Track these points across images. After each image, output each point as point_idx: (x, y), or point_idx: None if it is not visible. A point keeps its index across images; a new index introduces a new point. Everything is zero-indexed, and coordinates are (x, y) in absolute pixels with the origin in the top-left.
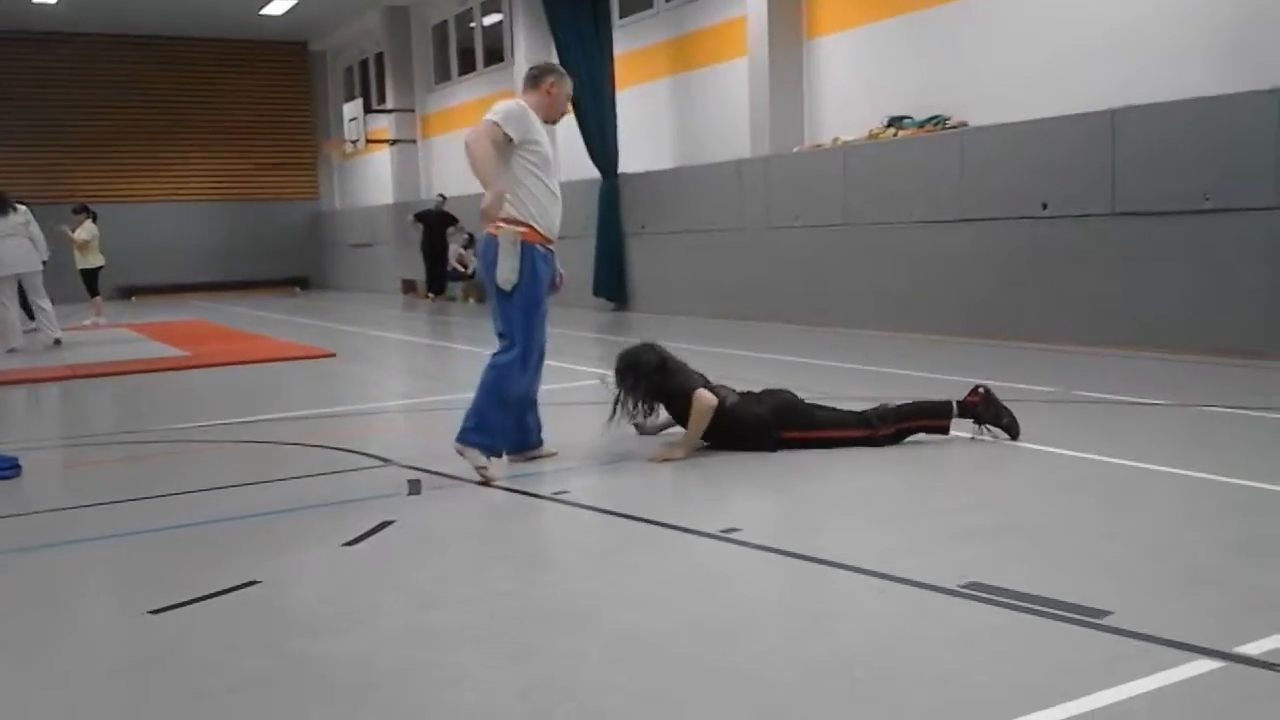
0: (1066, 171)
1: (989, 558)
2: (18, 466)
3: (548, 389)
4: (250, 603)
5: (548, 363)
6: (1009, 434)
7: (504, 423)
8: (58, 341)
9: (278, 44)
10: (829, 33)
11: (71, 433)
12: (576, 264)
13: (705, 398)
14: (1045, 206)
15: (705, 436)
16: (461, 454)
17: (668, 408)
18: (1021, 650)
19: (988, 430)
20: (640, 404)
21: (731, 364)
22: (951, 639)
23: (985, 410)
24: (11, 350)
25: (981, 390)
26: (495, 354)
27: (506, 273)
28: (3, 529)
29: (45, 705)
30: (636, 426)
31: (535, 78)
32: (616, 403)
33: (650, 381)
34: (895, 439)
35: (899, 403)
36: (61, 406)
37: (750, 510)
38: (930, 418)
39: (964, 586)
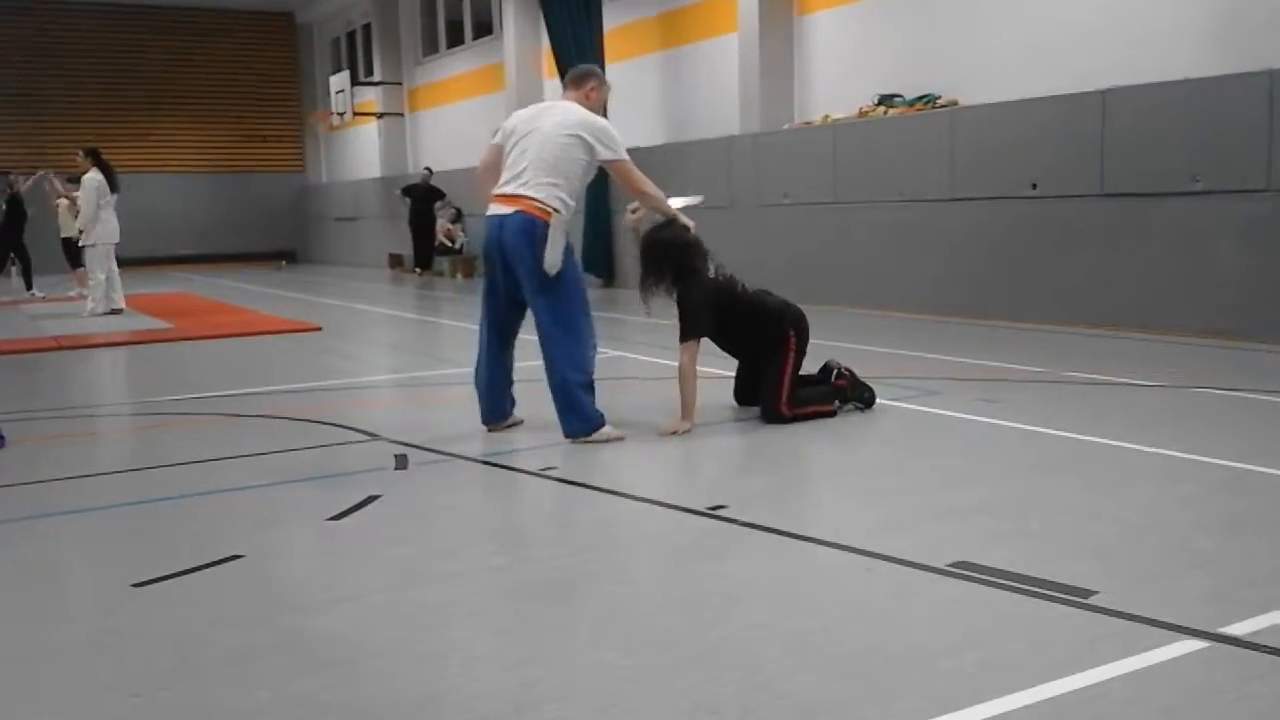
0: (1056, 151)
1: (975, 537)
2: (2, 438)
3: (537, 364)
4: (234, 577)
5: (535, 338)
6: (867, 405)
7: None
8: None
9: (264, 14)
10: (820, 9)
11: (56, 405)
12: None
13: (682, 360)
14: (1035, 186)
15: (719, 332)
16: (594, 440)
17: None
18: (1007, 629)
19: (854, 406)
20: (662, 287)
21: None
22: (937, 617)
23: (851, 391)
24: (102, 314)
25: (847, 373)
26: (569, 365)
27: (555, 257)
28: None
29: (27, 678)
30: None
31: (578, 79)
32: (642, 287)
33: (659, 269)
34: (791, 420)
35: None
36: (46, 378)
37: (737, 487)
38: (821, 404)
39: (950, 565)
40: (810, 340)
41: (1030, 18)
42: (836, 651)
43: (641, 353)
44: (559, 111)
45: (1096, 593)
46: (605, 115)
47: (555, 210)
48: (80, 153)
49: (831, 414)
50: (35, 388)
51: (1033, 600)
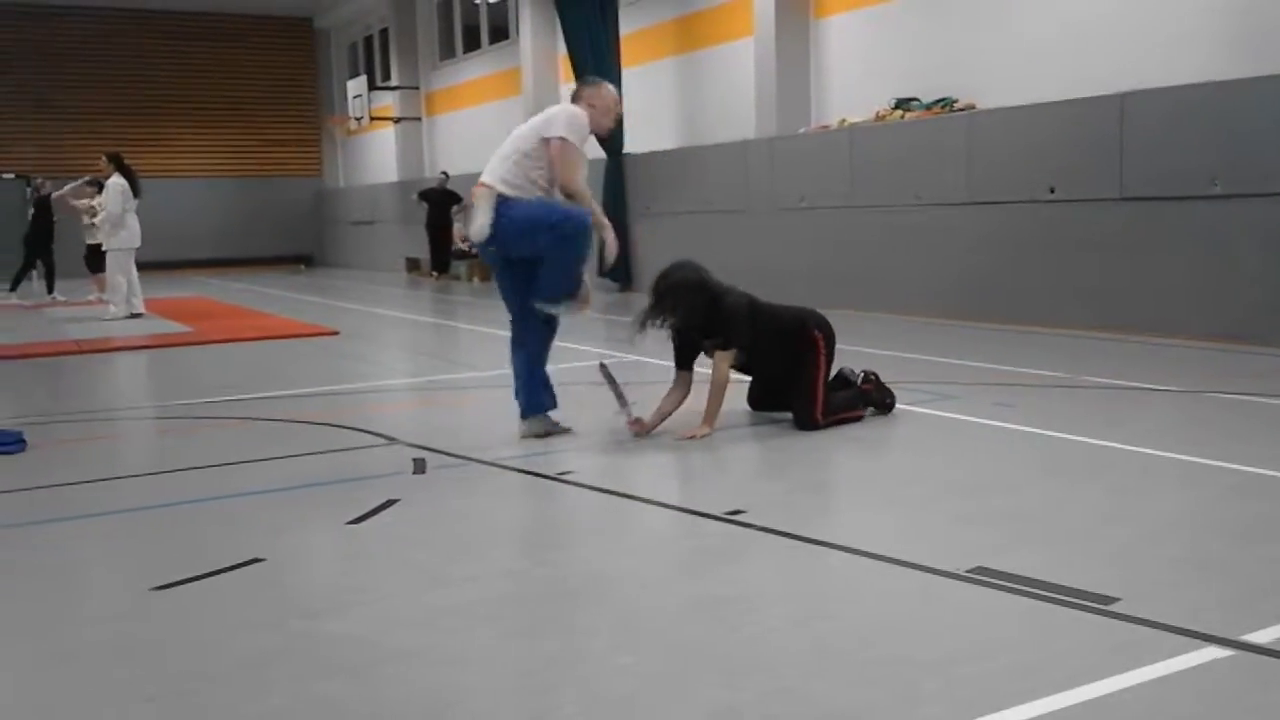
0: (1074, 155)
1: (994, 542)
2: (23, 441)
3: (555, 369)
4: (254, 580)
5: (554, 342)
6: (887, 410)
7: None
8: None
9: (282, 19)
10: (836, 12)
11: (76, 408)
12: None
13: (722, 370)
14: (1053, 190)
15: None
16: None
17: (706, 337)
18: (1027, 636)
19: (873, 410)
20: (665, 324)
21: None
22: (957, 623)
23: (876, 394)
24: (125, 317)
25: (873, 377)
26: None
27: (477, 228)
28: (7, 503)
29: (49, 682)
30: (636, 426)
31: (575, 93)
32: (644, 320)
33: (691, 305)
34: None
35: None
36: (67, 382)
37: (755, 492)
38: (851, 409)
39: (970, 571)
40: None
41: (1048, 20)
42: (856, 657)
43: (654, 356)
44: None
45: (1117, 599)
46: (616, 123)
47: (489, 185)
48: (103, 158)
49: (860, 418)
50: (56, 391)
51: (1053, 607)
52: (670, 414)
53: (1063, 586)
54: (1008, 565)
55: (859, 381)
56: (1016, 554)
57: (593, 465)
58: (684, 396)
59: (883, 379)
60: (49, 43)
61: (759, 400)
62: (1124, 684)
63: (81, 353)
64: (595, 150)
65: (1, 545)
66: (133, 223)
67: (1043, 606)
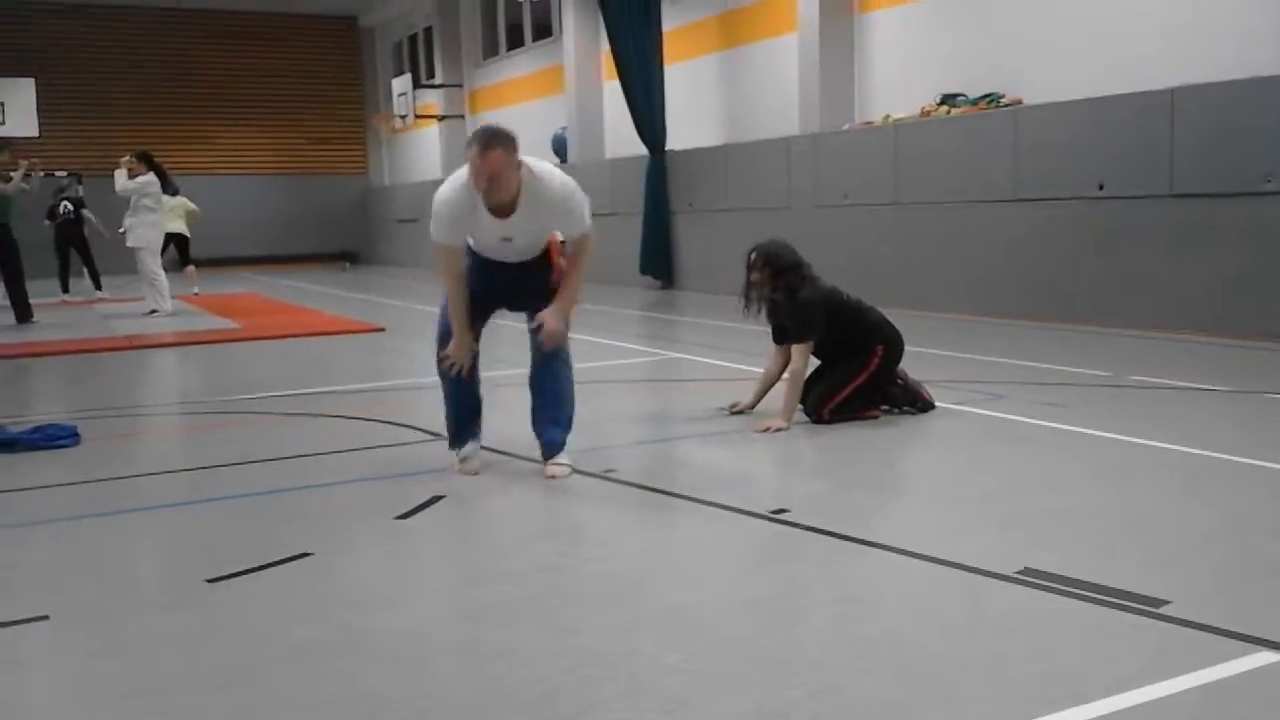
0: (1124, 151)
1: (1043, 543)
2: (77, 435)
3: (598, 366)
4: (304, 574)
5: (596, 340)
6: (921, 411)
7: None
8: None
9: (328, 18)
10: (881, 8)
11: (128, 403)
12: (623, 241)
13: (799, 363)
14: (1102, 187)
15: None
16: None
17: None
18: (1075, 638)
19: (904, 410)
20: (762, 301)
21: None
22: (1004, 625)
23: (903, 396)
24: (170, 314)
25: (901, 379)
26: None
27: None
28: (63, 496)
29: (102, 672)
30: (732, 407)
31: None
32: (747, 293)
33: (773, 282)
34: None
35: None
36: (119, 377)
37: (800, 491)
38: (866, 408)
39: (1018, 572)
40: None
41: (1096, 14)
42: (903, 658)
43: (697, 354)
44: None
45: (1168, 602)
46: (488, 184)
47: None
48: (130, 156)
49: (875, 418)
50: (108, 386)
51: (1103, 609)
52: (768, 385)
53: (1112, 589)
54: (1056, 566)
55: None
56: (1065, 555)
57: (637, 463)
58: (777, 370)
59: (926, 379)
60: (99, 43)
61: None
62: (1174, 688)
63: (132, 348)
64: (638, 147)
65: (56, 538)
66: (160, 221)
67: (1092, 608)
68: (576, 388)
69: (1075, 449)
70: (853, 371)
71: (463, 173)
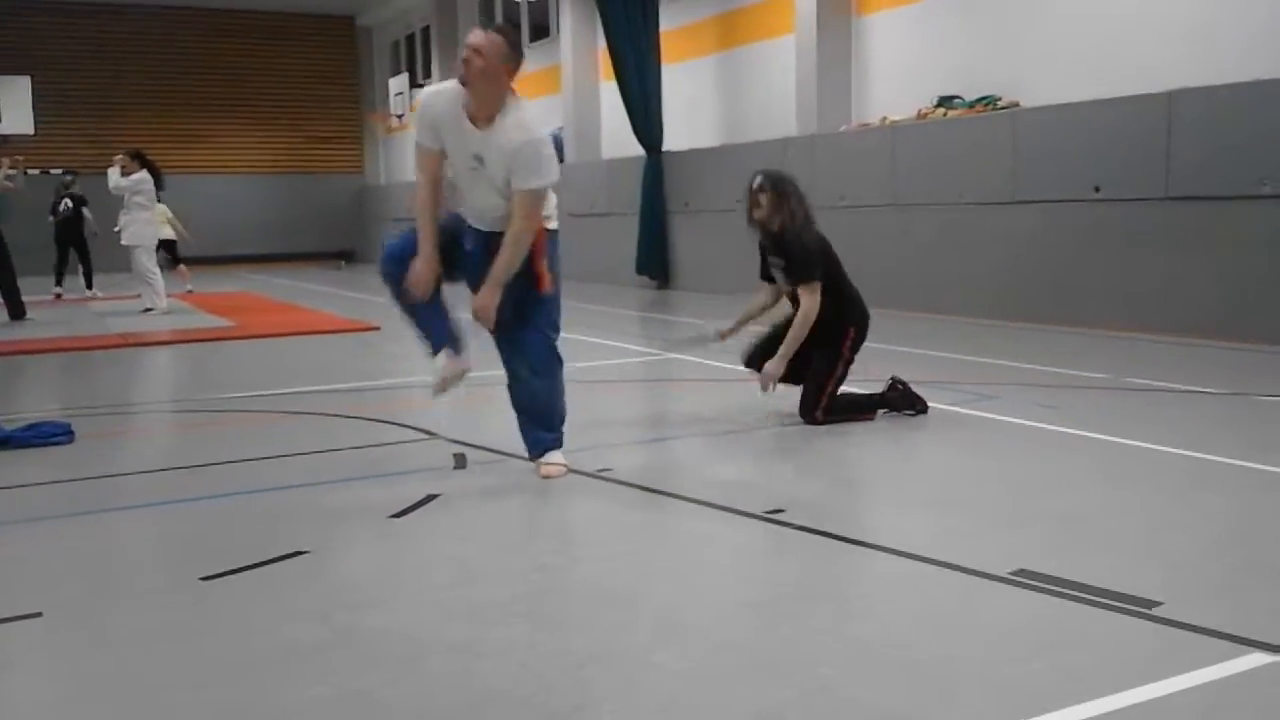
0: (1121, 154)
1: (1037, 544)
2: (71, 433)
3: (591, 365)
4: (298, 572)
5: (591, 340)
6: (919, 414)
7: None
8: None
9: (326, 17)
10: (879, 10)
11: (122, 400)
12: (620, 241)
13: (809, 304)
14: (1098, 189)
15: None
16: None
17: (779, 257)
18: (1069, 639)
19: (904, 413)
20: (762, 230)
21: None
22: (999, 626)
23: (901, 401)
24: (165, 312)
25: (900, 385)
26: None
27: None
28: (55, 494)
29: (96, 669)
30: (723, 337)
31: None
32: (749, 219)
33: (788, 205)
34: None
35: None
36: (112, 374)
37: (795, 491)
38: (860, 411)
39: (1012, 573)
40: (867, 345)
41: (1094, 17)
42: (899, 659)
43: (693, 354)
44: None
45: (1162, 604)
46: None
47: None
48: (123, 154)
49: (870, 419)
50: (102, 383)
51: (1097, 610)
52: (753, 317)
53: (1105, 590)
54: (1050, 568)
55: (884, 389)
56: (1059, 557)
57: (632, 462)
58: (766, 304)
59: (922, 379)
60: (96, 40)
61: (756, 358)
62: (1167, 689)
63: (126, 346)
64: (634, 147)
65: (50, 535)
66: (152, 219)
67: (1085, 610)
68: (572, 387)
69: (1071, 451)
70: (831, 364)
71: (453, 81)
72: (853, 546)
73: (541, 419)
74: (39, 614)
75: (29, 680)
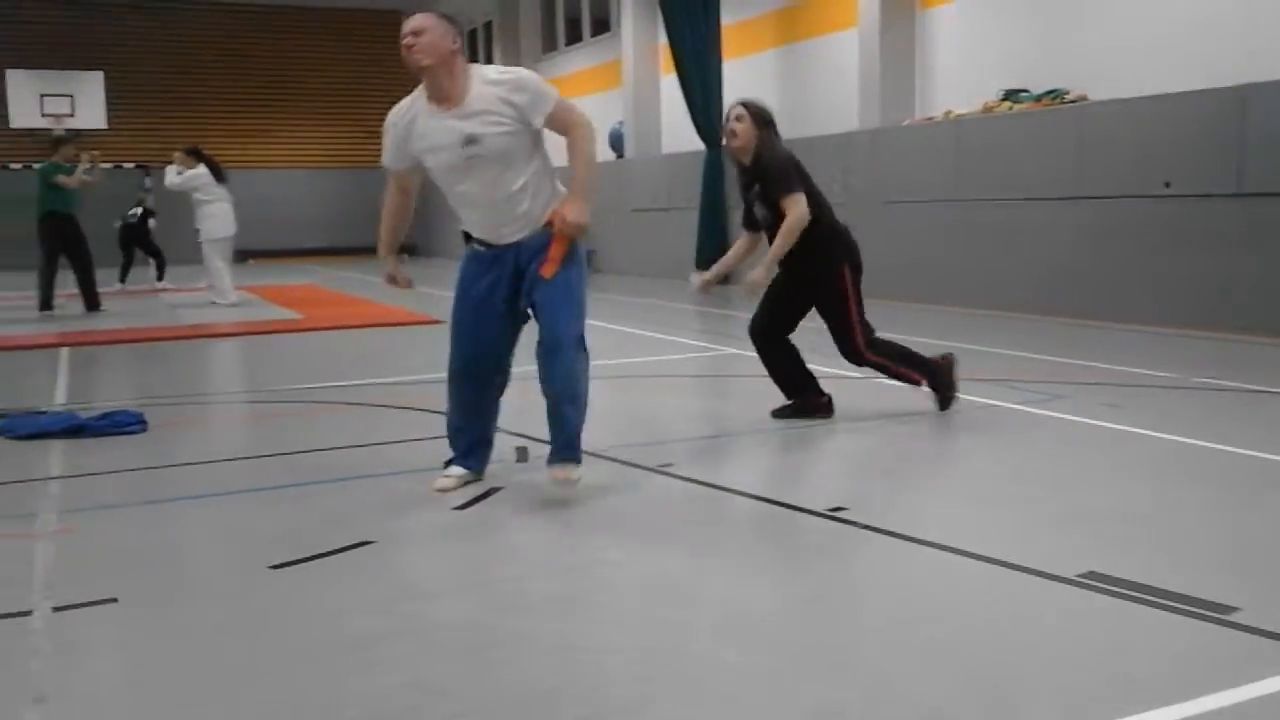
0: (1191, 149)
1: (1105, 546)
2: (144, 422)
3: (654, 360)
4: (365, 562)
5: (652, 334)
6: (940, 405)
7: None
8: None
9: (390, 13)
10: (943, 3)
11: (193, 391)
12: (680, 236)
13: (796, 212)
14: (1168, 185)
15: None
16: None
17: (756, 182)
18: (1140, 644)
19: (942, 391)
20: (742, 162)
21: (828, 338)
22: (1066, 628)
23: (942, 375)
24: (233, 305)
25: (950, 358)
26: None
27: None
28: (130, 482)
29: (169, 655)
30: (701, 284)
31: None
32: (728, 150)
33: (766, 133)
34: (873, 367)
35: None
36: (184, 365)
37: (857, 489)
38: (911, 367)
39: (1081, 575)
40: (926, 341)
41: (1164, 9)
42: (962, 659)
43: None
44: None
45: (1237, 609)
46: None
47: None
48: (180, 152)
49: (917, 383)
50: (174, 374)
51: (1168, 614)
52: (732, 265)
53: (1179, 594)
54: (1120, 571)
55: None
56: (1129, 559)
57: (695, 458)
58: (746, 251)
59: (990, 378)
60: (165, 36)
61: (764, 333)
62: (1242, 697)
63: (197, 337)
64: (695, 142)
65: (125, 522)
66: (220, 212)
67: (1157, 614)
68: (632, 383)
69: (1138, 451)
70: (840, 304)
71: (408, 97)
72: (917, 545)
73: (569, 405)
74: (114, 599)
75: (105, 665)
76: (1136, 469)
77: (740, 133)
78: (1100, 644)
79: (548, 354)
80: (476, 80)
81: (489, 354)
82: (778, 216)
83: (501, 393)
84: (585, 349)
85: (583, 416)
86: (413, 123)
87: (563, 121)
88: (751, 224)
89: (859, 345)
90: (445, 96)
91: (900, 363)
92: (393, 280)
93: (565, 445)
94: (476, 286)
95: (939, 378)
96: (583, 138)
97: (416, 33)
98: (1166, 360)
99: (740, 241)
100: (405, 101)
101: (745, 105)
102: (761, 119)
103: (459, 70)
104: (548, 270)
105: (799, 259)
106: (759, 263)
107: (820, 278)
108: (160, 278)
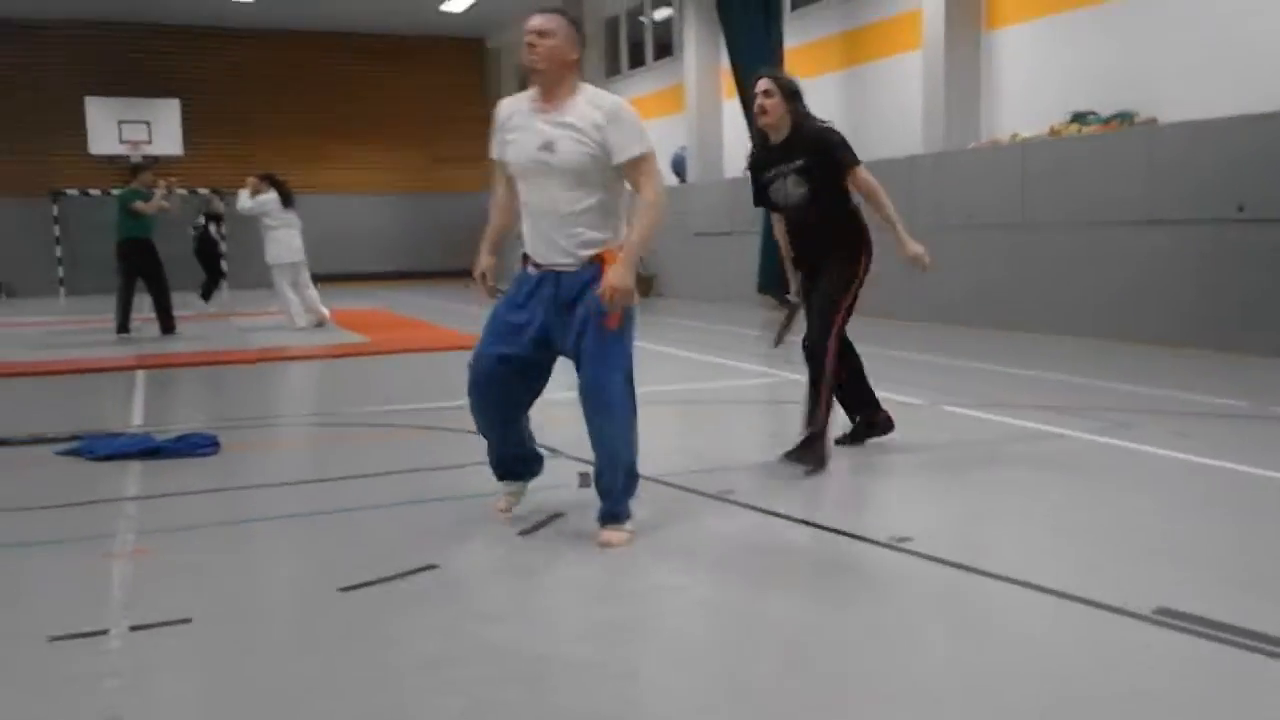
0: (1264, 172)
1: (1177, 581)
2: (217, 444)
3: (717, 386)
4: (431, 586)
5: (715, 360)
6: (797, 459)
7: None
8: (320, 324)
9: (457, 39)
10: (1009, 24)
11: (264, 413)
12: (742, 260)
13: (872, 177)
14: (1241, 209)
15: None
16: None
17: (796, 159)
18: (1216, 685)
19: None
20: (759, 128)
21: (893, 365)
22: (1138, 667)
23: (818, 445)
24: (300, 328)
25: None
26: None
27: None
28: (203, 504)
29: (241, 675)
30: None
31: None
32: (755, 124)
33: (795, 105)
34: (819, 365)
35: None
36: (255, 388)
37: (921, 518)
38: (829, 405)
39: (1155, 612)
40: (1000, 370)
41: (1234, 30)
42: (1026, 696)
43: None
44: None
45: None
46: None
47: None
48: (254, 177)
49: (812, 421)
50: (245, 397)
51: (1247, 654)
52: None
53: (1257, 633)
54: (1193, 607)
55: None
56: (1203, 595)
57: (754, 485)
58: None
59: (1057, 405)
60: (238, 63)
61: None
62: None
63: (267, 360)
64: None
65: (199, 543)
66: (285, 238)
67: (1235, 653)
68: (694, 409)
69: (1209, 482)
70: (840, 291)
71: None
72: (983, 578)
73: (610, 473)
74: (188, 620)
75: (177, 685)
76: (1208, 501)
77: (770, 108)
78: (1174, 684)
79: (587, 405)
80: (582, 97)
81: (500, 391)
82: (815, 192)
83: (521, 415)
84: (628, 397)
85: (629, 479)
86: (513, 114)
87: (636, 181)
88: (761, 200)
89: (831, 332)
90: (549, 98)
91: (831, 389)
92: (482, 278)
93: (608, 512)
94: (510, 318)
95: (816, 442)
96: (652, 205)
97: (542, 34)
98: (1241, 389)
99: (778, 230)
100: (520, 94)
101: (772, 78)
102: (789, 90)
103: (569, 82)
104: (612, 322)
105: (823, 242)
106: (899, 241)
107: (839, 258)
108: (205, 297)
